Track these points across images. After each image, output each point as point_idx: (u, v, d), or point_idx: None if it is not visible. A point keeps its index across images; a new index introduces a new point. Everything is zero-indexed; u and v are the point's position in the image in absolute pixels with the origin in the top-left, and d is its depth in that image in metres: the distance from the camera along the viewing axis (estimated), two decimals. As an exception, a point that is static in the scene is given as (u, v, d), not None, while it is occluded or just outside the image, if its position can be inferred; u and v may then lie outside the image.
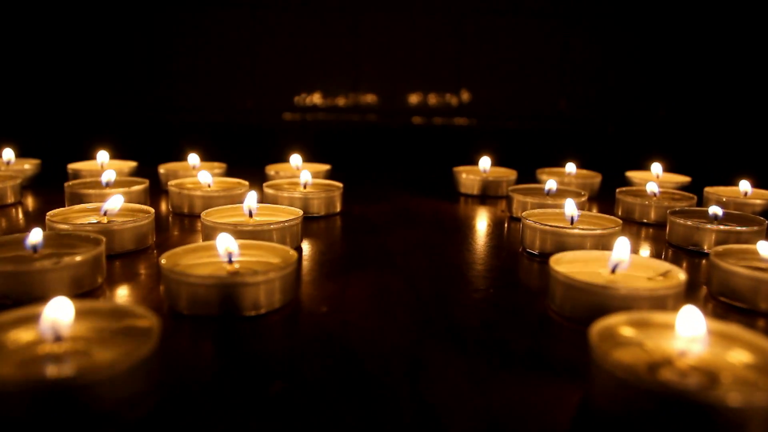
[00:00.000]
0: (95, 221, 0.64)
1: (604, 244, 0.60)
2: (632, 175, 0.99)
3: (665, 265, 0.49)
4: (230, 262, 0.48)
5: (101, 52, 1.27)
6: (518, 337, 0.43)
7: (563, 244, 0.61)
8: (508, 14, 1.30)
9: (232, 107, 1.32)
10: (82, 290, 0.49)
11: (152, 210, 0.64)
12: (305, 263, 0.59)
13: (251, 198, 0.64)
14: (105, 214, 0.63)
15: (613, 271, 0.49)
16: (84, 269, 0.48)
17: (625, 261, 0.48)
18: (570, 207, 0.65)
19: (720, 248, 0.55)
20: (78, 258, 0.48)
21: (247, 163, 1.08)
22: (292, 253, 0.49)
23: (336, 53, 1.31)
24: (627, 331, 0.37)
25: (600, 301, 0.44)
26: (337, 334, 0.43)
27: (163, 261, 0.46)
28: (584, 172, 1.00)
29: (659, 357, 0.35)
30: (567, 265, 0.50)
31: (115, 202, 0.63)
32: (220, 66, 1.30)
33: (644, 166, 1.03)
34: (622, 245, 0.48)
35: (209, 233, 0.60)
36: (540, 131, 1.34)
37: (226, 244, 0.48)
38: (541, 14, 1.30)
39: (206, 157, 1.03)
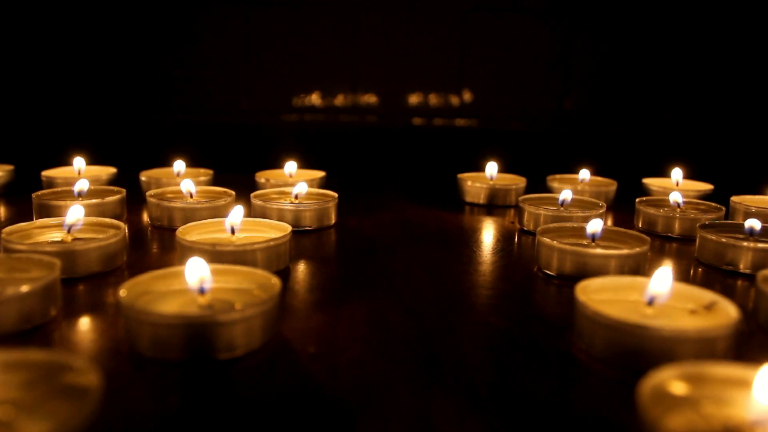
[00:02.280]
0: (59, 239, 0.57)
1: (630, 265, 0.54)
2: (650, 182, 0.92)
3: (708, 295, 0.42)
4: (202, 293, 0.41)
5: (83, 49, 1.20)
6: (540, 384, 0.36)
7: (584, 265, 0.54)
8: (511, 12, 1.23)
9: (226, 108, 1.26)
10: (32, 324, 0.42)
11: (123, 225, 0.57)
12: (293, 287, 0.52)
13: (236, 214, 0.57)
14: (69, 231, 0.56)
15: (650, 303, 0.42)
16: (32, 301, 0.41)
17: (665, 294, 0.41)
18: (596, 225, 0.58)
19: None
20: (24, 288, 0.41)
21: (238, 168, 1.02)
22: (275, 281, 0.42)
23: (334, 52, 1.24)
24: (678, 388, 0.30)
25: (638, 342, 0.37)
26: (327, 383, 0.36)
27: (122, 293, 0.39)
28: (598, 179, 0.93)
29: (721, 426, 0.29)
30: (594, 294, 0.43)
31: (75, 214, 0.56)
32: (213, 65, 1.23)
33: (657, 171, 0.97)
34: (663, 277, 0.41)
35: (185, 253, 0.53)
36: (544, 132, 1.27)
37: (196, 272, 0.41)
38: (545, 12, 1.23)
39: (196, 161, 0.96)
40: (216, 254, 0.51)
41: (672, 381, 0.30)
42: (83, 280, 0.52)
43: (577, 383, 0.37)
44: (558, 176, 0.95)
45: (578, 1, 1.23)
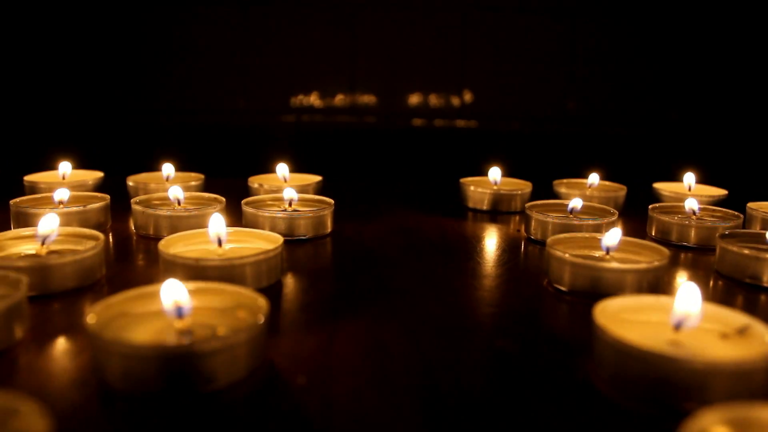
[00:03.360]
0: (33, 251, 0.53)
1: (649, 280, 0.50)
2: (661, 187, 0.88)
3: (740, 318, 0.38)
4: (180, 316, 0.37)
5: (73, 47, 1.16)
6: (556, 419, 0.32)
7: (599, 280, 0.50)
8: (513, 11, 1.19)
9: (222, 108, 1.22)
10: (-5, 350, 0.38)
11: (101, 236, 0.53)
12: (283, 306, 0.48)
13: (219, 223, 0.53)
14: (43, 242, 0.52)
15: (677, 327, 0.38)
16: (-6, 325, 0.38)
17: (695, 316, 0.37)
18: (613, 238, 0.54)
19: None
20: (-16, 311, 0.37)
21: (233, 170, 0.98)
22: (262, 302, 0.38)
23: (333, 52, 1.20)
24: (722, 435, 0.26)
25: (667, 374, 0.33)
26: (319, 418, 0.32)
27: (90, 318, 0.35)
28: (607, 183, 0.89)
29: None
30: (615, 315, 0.39)
31: (48, 224, 0.52)
32: (209, 64, 1.19)
33: (662, 173, 0.93)
34: (690, 298, 0.37)
35: (167, 267, 0.49)
36: (547, 134, 1.23)
37: (172, 296, 0.37)
38: (547, 11, 1.19)
39: (189, 163, 0.92)
40: (200, 269, 0.47)
41: (716, 427, 0.26)
42: (58, 297, 0.49)
43: (598, 418, 0.33)
44: (565, 181, 0.91)
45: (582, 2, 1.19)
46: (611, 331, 0.35)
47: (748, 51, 1.18)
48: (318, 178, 0.88)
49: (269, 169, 0.90)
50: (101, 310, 0.37)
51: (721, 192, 0.86)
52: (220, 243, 0.53)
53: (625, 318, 0.40)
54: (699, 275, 0.59)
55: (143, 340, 0.36)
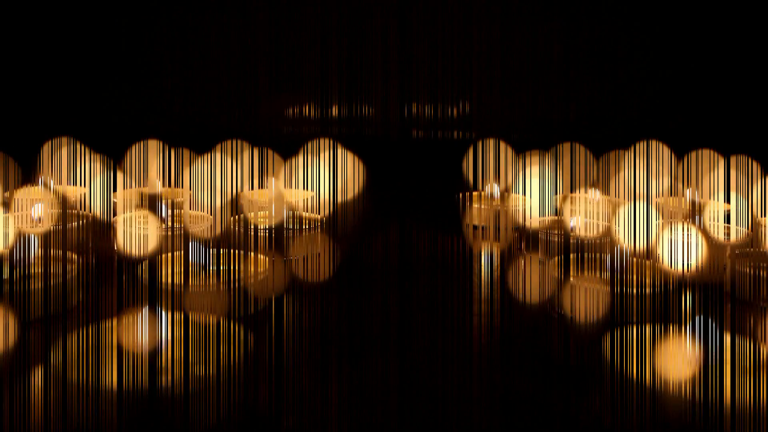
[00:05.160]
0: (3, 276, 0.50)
1: (659, 304, 0.47)
2: (662, 202, 0.86)
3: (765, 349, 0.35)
4: (155, 352, 0.34)
5: (62, 47, 1.13)
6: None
7: (609, 305, 0.47)
8: (511, 20, 1.17)
9: (218, 116, 1.19)
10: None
11: (76, 259, 0.50)
12: (272, 334, 0.45)
13: (203, 251, 0.50)
14: (14, 266, 0.49)
15: (696, 365, 0.35)
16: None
17: (714, 352, 0.34)
18: (618, 257, 0.51)
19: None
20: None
21: (224, 184, 0.95)
22: (246, 335, 0.35)
23: (331, 60, 1.18)
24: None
25: (692, 418, 0.30)
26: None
27: (53, 357, 0.32)
28: (609, 198, 0.87)
29: None
30: (628, 348, 0.36)
31: (20, 244, 0.49)
32: (205, 70, 1.16)
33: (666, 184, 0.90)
34: (707, 331, 0.34)
35: (148, 294, 0.46)
36: (547, 142, 1.21)
37: (149, 327, 0.34)
38: (545, 19, 1.17)
39: (179, 176, 0.89)
40: (183, 295, 0.44)
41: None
42: (28, 327, 0.45)
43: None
44: (566, 195, 0.88)
45: (580, 8, 1.17)
46: (626, 368, 0.32)
47: (753, 53, 1.16)
48: (311, 193, 0.85)
49: (263, 185, 0.87)
50: (68, 346, 0.33)
51: (726, 206, 0.83)
52: (205, 266, 0.50)
53: (639, 351, 0.37)
54: (709, 298, 0.56)
55: (110, 384, 0.32)
